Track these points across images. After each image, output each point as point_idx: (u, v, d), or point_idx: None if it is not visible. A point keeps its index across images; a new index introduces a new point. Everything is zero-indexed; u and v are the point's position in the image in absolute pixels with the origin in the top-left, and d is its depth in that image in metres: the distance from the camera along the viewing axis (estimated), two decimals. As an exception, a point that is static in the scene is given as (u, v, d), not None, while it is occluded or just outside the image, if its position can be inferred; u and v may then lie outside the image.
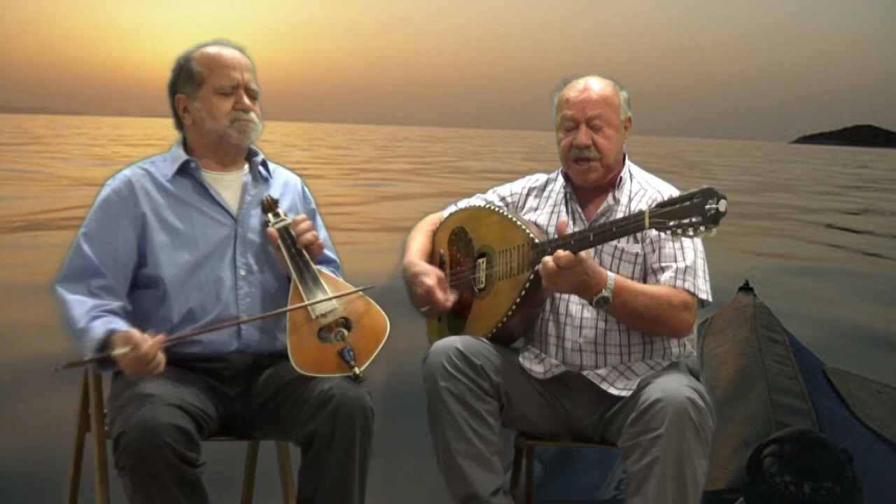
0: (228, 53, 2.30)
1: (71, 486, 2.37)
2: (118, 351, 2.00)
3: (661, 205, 2.09)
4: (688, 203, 2.04)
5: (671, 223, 2.05)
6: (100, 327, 2.07)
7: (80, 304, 2.13)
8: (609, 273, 2.22)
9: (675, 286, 2.29)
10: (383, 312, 2.27)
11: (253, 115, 2.30)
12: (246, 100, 2.28)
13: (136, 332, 2.02)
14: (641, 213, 2.12)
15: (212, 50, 2.30)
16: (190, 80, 2.28)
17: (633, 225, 2.14)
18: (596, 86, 2.41)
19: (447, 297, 2.46)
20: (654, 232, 2.22)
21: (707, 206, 2.01)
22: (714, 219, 2.00)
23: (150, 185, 2.27)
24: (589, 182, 2.43)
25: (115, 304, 2.16)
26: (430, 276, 2.46)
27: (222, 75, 2.27)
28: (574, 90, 2.42)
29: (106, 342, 2.04)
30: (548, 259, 2.16)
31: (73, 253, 2.22)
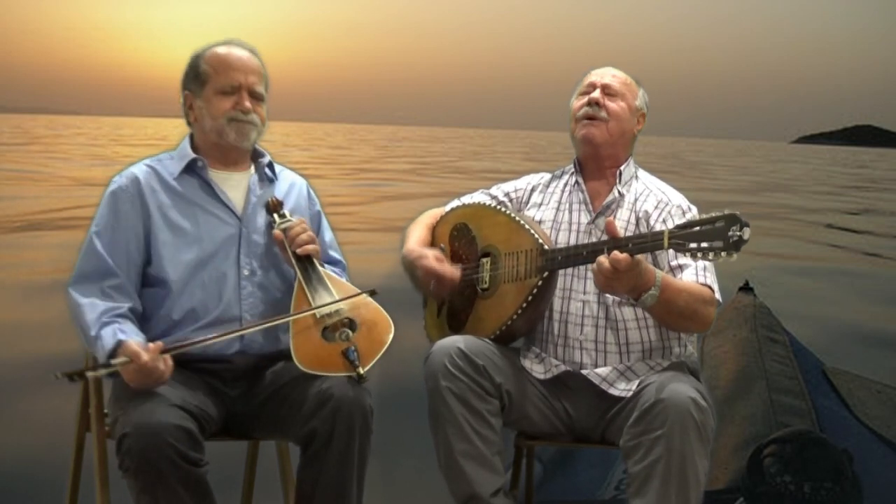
0: (236, 55, 2.30)
1: (71, 487, 2.37)
2: (118, 361, 1.99)
3: (682, 226, 2.07)
4: (709, 227, 2.02)
5: (691, 245, 2.04)
6: (109, 336, 2.06)
7: (91, 308, 2.12)
8: (657, 270, 2.20)
9: (699, 282, 2.29)
10: (388, 315, 2.26)
11: (253, 117, 2.29)
12: (246, 102, 2.28)
13: (135, 343, 2.01)
14: (660, 232, 2.10)
15: (221, 50, 2.31)
16: (196, 78, 2.30)
17: (650, 243, 2.12)
18: (619, 71, 2.55)
19: (453, 271, 2.45)
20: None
21: (730, 233, 1.99)
22: (736, 246, 1.99)
23: (156, 184, 2.27)
24: (592, 140, 2.44)
25: (126, 307, 2.16)
26: (429, 257, 2.45)
27: (225, 76, 2.27)
28: (598, 70, 2.55)
29: (114, 352, 2.03)
30: (603, 260, 2.12)
31: (85, 252, 2.21)
